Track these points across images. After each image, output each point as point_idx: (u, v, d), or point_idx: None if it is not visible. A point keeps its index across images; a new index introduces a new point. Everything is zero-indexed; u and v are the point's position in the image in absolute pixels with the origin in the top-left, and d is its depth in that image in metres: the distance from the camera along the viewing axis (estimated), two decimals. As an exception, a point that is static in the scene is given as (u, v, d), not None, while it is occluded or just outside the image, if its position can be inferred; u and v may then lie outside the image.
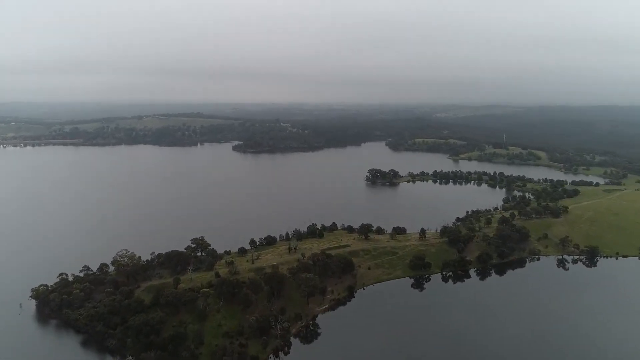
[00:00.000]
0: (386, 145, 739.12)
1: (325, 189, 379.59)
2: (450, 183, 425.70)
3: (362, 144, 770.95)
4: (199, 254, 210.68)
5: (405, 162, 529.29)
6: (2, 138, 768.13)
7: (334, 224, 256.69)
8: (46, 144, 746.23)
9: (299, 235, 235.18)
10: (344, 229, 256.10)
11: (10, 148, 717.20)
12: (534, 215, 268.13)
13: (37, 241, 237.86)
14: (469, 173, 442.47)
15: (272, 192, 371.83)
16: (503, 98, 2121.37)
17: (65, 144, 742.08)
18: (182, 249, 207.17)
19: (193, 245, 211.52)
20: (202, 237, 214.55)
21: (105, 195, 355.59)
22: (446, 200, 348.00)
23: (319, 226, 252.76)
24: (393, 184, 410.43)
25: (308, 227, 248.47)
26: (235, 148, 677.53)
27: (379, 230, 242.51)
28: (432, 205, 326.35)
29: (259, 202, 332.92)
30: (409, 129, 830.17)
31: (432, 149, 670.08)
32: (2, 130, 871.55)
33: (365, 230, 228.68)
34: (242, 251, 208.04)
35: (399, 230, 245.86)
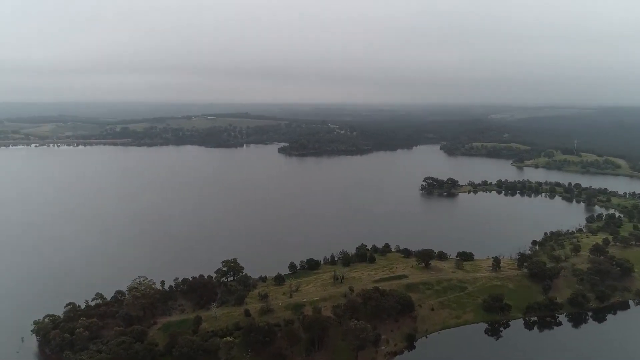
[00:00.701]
0: (440, 149, 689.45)
1: (376, 200, 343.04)
2: (517, 195, 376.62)
3: (414, 148, 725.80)
4: (230, 279, 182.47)
5: (463, 169, 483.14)
6: (57, 137, 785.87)
7: (386, 246, 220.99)
8: (97, 144, 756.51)
9: (346, 259, 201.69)
10: (398, 251, 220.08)
11: (64, 147, 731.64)
12: (633, 242, 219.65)
13: (56, 257, 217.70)
14: (539, 183, 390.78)
15: (316, 201, 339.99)
16: (563, 98, 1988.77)
17: (115, 144, 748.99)
18: (212, 271, 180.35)
19: (224, 269, 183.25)
20: (235, 259, 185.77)
21: (139, 204, 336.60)
22: (516, 216, 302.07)
23: (369, 246, 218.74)
24: (451, 195, 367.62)
25: (357, 248, 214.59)
26: (280, 150, 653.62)
27: (441, 256, 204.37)
28: (501, 223, 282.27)
29: (301, 213, 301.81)
30: (465, 132, 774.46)
31: (492, 154, 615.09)
32: (60, 130, 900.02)
33: (426, 256, 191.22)
34: (279, 279, 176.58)
35: (465, 256, 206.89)
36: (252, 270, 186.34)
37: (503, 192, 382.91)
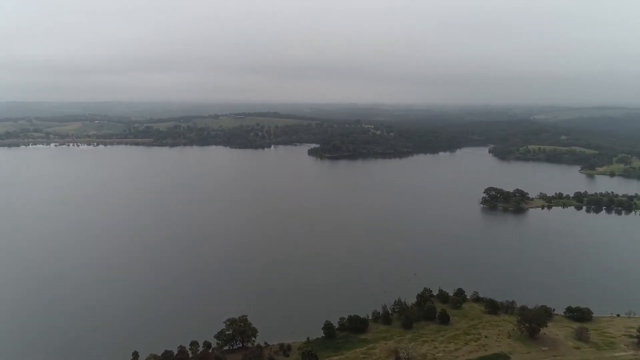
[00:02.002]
0: (489, 152, 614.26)
1: (428, 217, 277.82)
2: (603, 211, 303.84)
3: (457, 150, 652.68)
4: (235, 347, 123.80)
5: (524, 177, 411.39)
6: (76, 137, 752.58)
7: (459, 293, 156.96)
8: (118, 143, 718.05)
9: (407, 316, 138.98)
10: (476, 300, 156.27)
11: (84, 147, 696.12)
12: None
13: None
14: (630, 197, 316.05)
15: (352, 217, 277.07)
16: (609, 98, 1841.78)
17: (136, 144, 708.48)
18: (211, 336, 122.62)
19: (228, 332, 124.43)
20: (244, 317, 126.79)
21: (113, 220, 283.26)
22: (624, 243, 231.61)
23: (433, 290, 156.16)
24: (520, 210, 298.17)
25: (418, 297, 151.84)
26: (311, 152, 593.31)
27: (546, 313, 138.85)
28: (609, 254, 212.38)
29: (334, 236, 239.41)
30: (515, 134, 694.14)
31: (552, 158, 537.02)
32: (86, 129, 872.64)
33: (536, 319, 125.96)
34: (309, 357, 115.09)
35: (579, 314, 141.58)
36: (267, 330, 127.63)
37: (584, 207, 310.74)
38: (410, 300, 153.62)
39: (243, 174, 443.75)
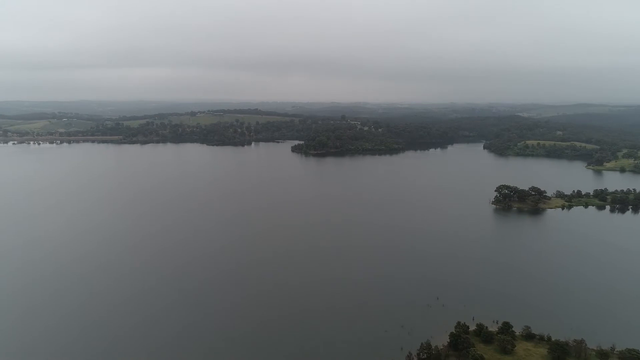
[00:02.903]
0: (484, 148, 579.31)
1: (437, 222, 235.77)
2: (630, 210, 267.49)
3: (449, 147, 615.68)
4: None
5: (529, 174, 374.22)
6: (37, 134, 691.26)
7: (506, 327, 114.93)
8: (84, 141, 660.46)
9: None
10: (527, 336, 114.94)
11: (46, 145, 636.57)
12: None
13: None
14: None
15: (352, 225, 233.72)
16: (587, 95, 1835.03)
17: (105, 141, 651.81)
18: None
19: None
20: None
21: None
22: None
23: (467, 323, 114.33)
24: (537, 211, 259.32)
25: (452, 337, 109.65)
26: (294, 149, 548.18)
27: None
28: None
29: (332, 253, 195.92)
30: (510, 129, 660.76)
31: (552, 154, 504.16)
32: (52, 127, 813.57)
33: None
34: None
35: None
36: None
37: (608, 206, 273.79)
38: (439, 337, 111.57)
39: (220, 175, 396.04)
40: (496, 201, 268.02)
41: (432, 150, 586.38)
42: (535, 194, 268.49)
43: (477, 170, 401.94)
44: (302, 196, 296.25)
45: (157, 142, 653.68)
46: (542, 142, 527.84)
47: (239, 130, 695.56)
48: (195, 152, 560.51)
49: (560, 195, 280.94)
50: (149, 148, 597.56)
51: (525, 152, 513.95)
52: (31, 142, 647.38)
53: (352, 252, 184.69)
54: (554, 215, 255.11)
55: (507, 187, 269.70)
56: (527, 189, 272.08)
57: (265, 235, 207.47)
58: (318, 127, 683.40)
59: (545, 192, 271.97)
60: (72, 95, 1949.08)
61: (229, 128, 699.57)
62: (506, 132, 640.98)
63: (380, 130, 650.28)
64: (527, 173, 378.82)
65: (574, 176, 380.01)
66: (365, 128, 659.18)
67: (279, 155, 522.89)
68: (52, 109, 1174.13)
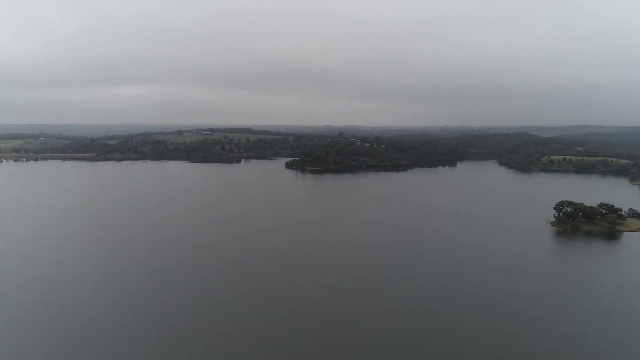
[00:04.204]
0: (501, 165, 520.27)
1: (487, 249, 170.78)
2: None
3: (458, 164, 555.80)
4: None
5: (568, 191, 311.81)
6: (2, 152, 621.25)
7: None
8: (53, 159, 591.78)
9: None
10: None
11: (9, 162, 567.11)
12: None
13: None
14: None
15: (375, 267, 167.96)
16: (581, 117, 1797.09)
17: (76, 159, 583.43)
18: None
19: None
20: None
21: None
22: None
23: None
24: (613, 235, 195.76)
25: None
26: (289, 165, 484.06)
27: None
28: None
29: (354, 305, 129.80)
30: (525, 145, 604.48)
31: (582, 169, 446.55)
32: (26, 146, 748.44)
33: None
34: None
35: None
36: None
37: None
38: None
39: (201, 195, 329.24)
40: (557, 222, 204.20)
41: (440, 168, 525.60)
42: (607, 213, 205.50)
43: (509, 188, 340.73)
44: (305, 216, 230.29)
45: (135, 159, 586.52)
46: (568, 157, 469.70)
47: (227, 147, 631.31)
48: (171, 169, 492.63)
49: (634, 214, 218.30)
50: (124, 165, 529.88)
51: (552, 168, 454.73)
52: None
53: (386, 299, 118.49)
54: (628, 238, 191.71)
55: (571, 203, 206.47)
56: (595, 206, 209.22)
57: (274, 261, 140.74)
58: (314, 144, 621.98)
59: (622, 210, 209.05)
60: (61, 118, 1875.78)
61: (215, 144, 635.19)
62: (522, 148, 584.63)
63: (383, 146, 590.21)
64: (564, 190, 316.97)
65: (623, 193, 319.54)
66: (367, 144, 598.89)
67: (271, 172, 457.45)
68: (39, 132, 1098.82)
